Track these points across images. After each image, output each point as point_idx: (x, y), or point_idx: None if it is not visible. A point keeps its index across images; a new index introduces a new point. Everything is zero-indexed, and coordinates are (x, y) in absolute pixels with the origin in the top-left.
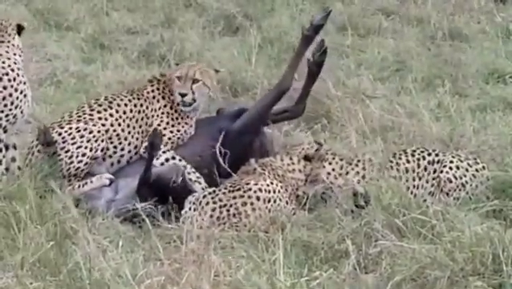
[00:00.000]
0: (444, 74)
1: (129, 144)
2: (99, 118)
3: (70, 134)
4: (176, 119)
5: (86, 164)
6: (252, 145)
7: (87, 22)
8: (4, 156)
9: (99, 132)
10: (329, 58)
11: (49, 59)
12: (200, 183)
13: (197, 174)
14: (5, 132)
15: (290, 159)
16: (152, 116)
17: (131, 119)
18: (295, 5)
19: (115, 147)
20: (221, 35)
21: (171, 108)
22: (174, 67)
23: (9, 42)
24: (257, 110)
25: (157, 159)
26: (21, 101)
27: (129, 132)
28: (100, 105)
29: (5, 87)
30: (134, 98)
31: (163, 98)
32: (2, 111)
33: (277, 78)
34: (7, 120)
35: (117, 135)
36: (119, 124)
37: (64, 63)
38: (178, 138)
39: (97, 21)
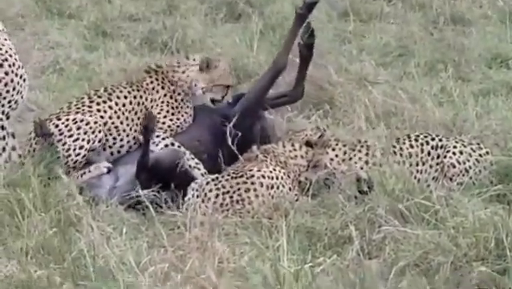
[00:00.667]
0: (446, 59)
1: (127, 135)
2: (98, 110)
3: (67, 126)
4: (176, 108)
5: (84, 156)
6: (253, 129)
7: (89, 10)
8: (7, 144)
9: (95, 122)
10: (331, 44)
11: (51, 47)
12: (199, 169)
13: (196, 160)
14: (7, 118)
15: (292, 145)
16: (152, 107)
17: (130, 111)
18: None
19: (114, 138)
20: (223, 22)
21: (171, 98)
22: (176, 55)
23: None
24: (254, 92)
25: (156, 145)
26: (21, 86)
27: (128, 125)
28: (100, 97)
29: (6, 73)
30: (133, 90)
31: (162, 88)
32: (5, 98)
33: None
34: (10, 107)
35: (116, 127)
36: (119, 117)
37: (67, 51)
38: (178, 126)
39: (99, 8)
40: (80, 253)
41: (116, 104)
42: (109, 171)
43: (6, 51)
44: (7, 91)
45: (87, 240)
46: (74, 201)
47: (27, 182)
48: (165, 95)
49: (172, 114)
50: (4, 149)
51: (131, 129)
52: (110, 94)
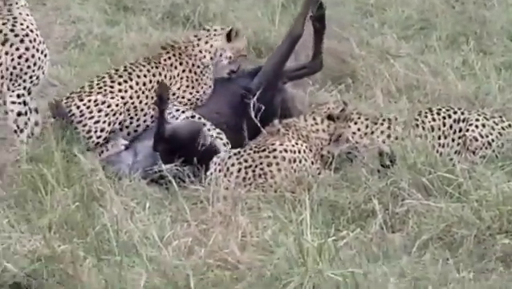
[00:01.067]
0: (468, 31)
1: (145, 114)
2: (120, 90)
3: (88, 107)
4: (196, 80)
5: (104, 138)
6: (273, 102)
7: None
8: (29, 119)
9: (117, 105)
10: (353, 17)
11: (73, 22)
12: (221, 139)
13: (218, 130)
14: (29, 94)
15: (314, 119)
16: (171, 84)
17: (150, 90)
18: None
19: (131, 118)
20: None
21: (190, 72)
22: (198, 29)
23: (17, 3)
24: (272, 64)
25: (176, 119)
26: (42, 61)
27: (146, 104)
28: (121, 76)
29: (27, 48)
30: (152, 67)
31: (180, 64)
32: (26, 73)
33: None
34: (31, 82)
35: (135, 107)
36: (138, 96)
37: (88, 26)
38: (197, 99)
39: None
40: (103, 227)
41: (137, 84)
42: (127, 147)
43: (27, 26)
44: (28, 67)
45: (111, 215)
46: (97, 176)
47: (50, 157)
48: (184, 71)
49: (192, 87)
50: (26, 124)
51: (149, 108)
52: (130, 73)
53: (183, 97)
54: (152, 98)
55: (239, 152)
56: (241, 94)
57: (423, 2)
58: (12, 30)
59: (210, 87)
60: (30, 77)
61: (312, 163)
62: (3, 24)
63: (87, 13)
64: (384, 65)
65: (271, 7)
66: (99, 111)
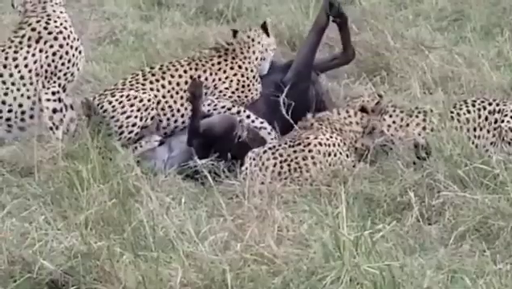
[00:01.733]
0: (502, 22)
1: (182, 115)
2: (151, 89)
3: (120, 102)
4: (248, 86)
5: (136, 133)
6: (307, 94)
7: None
8: (65, 116)
9: (149, 100)
10: (387, 9)
11: (107, 18)
12: (265, 128)
13: (260, 120)
14: (64, 91)
15: (347, 112)
16: (215, 87)
17: (185, 90)
18: None
19: (168, 119)
20: None
21: (242, 76)
22: (232, 24)
23: (51, 0)
24: (302, 55)
25: (214, 108)
26: (76, 58)
27: (182, 104)
28: (154, 75)
29: (61, 46)
30: (191, 68)
31: (231, 68)
32: (61, 70)
33: (333, 30)
34: (66, 79)
35: (169, 106)
36: (172, 96)
37: (122, 21)
38: (243, 103)
39: None
40: (140, 223)
41: (170, 83)
42: (162, 143)
43: (61, 24)
44: (62, 64)
45: (147, 210)
46: (132, 172)
47: (86, 154)
48: (235, 75)
49: (242, 92)
50: (62, 121)
51: (186, 109)
52: (164, 72)
53: (230, 97)
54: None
55: (274, 147)
56: (272, 92)
57: None
58: (46, 28)
59: (258, 92)
60: (65, 74)
61: (347, 156)
62: (37, 22)
63: (122, 9)
64: (419, 57)
65: (305, 1)
66: (131, 105)
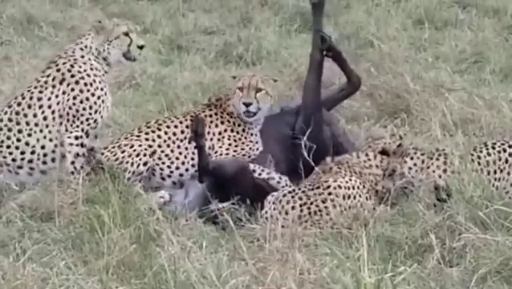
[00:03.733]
0: None
1: (183, 163)
2: (146, 139)
3: (113, 153)
4: (239, 140)
5: (128, 179)
6: (322, 135)
7: (163, 24)
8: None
9: (140, 146)
10: (407, 52)
11: None
12: (273, 178)
13: (267, 170)
14: (87, 136)
15: (367, 155)
16: (211, 140)
17: (181, 140)
18: (371, 0)
19: (168, 166)
20: (297, 33)
21: (232, 131)
22: (251, 68)
23: (85, 47)
24: (307, 95)
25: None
26: (99, 106)
27: (180, 153)
28: (149, 127)
29: (81, 91)
30: (187, 120)
31: (222, 123)
32: (83, 115)
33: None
34: (88, 124)
35: (166, 155)
36: (168, 146)
37: (142, 66)
38: (243, 155)
39: (174, 22)
40: (161, 268)
41: (166, 134)
42: (181, 186)
43: (85, 70)
44: (84, 109)
45: (168, 254)
46: (153, 216)
47: (106, 198)
48: (225, 130)
49: (236, 146)
50: (83, 166)
51: (185, 157)
52: (160, 124)
53: (227, 154)
54: (186, 149)
55: (293, 190)
56: (291, 135)
57: (476, 35)
58: (69, 71)
59: (257, 142)
60: (87, 119)
61: (367, 199)
62: (63, 64)
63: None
64: (439, 99)
65: None
66: (123, 152)
